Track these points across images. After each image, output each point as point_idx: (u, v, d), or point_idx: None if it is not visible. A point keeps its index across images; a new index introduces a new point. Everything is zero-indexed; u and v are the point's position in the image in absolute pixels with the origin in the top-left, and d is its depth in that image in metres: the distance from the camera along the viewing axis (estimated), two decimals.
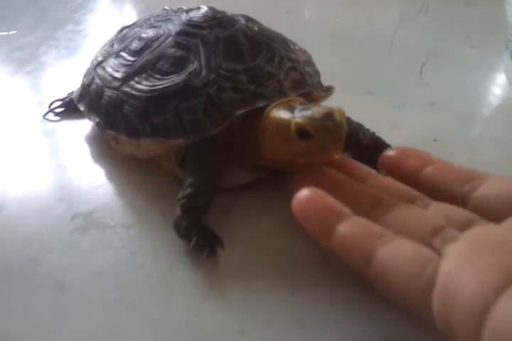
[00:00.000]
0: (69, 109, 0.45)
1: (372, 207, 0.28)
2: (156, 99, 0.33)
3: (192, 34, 0.35)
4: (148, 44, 0.36)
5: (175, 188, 0.33)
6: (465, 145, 0.41)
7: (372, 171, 0.32)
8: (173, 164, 0.35)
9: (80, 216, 0.34)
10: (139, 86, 0.34)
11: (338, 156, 0.29)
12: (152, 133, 0.33)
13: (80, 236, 0.33)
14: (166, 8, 0.41)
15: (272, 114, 0.31)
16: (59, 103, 0.46)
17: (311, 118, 0.29)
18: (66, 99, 0.46)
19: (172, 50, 0.34)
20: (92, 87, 0.38)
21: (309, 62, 0.38)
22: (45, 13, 0.71)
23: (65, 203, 0.36)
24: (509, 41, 0.53)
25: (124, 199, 0.36)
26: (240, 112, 0.32)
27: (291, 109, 0.30)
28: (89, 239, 0.33)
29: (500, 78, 0.53)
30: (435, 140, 0.41)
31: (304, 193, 0.26)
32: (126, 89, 0.34)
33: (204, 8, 0.37)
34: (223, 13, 0.37)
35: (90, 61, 0.41)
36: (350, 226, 0.25)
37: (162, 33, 0.36)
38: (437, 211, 0.27)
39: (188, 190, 0.31)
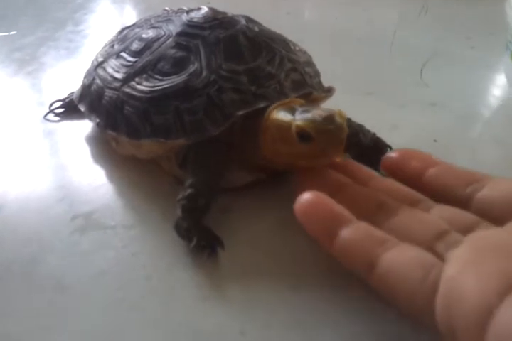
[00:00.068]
0: (69, 109, 0.45)
1: (375, 211, 0.28)
2: (156, 100, 0.33)
3: (192, 35, 0.35)
4: (148, 45, 0.36)
5: (175, 189, 0.33)
6: (465, 145, 0.41)
7: (375, 173, 0.32)
8: (173, 164, 0.35)
9: (80, 216, 0.34)
10: (139, 86, 0.34)
11: (338, 159, 0.29)
12: (153, 134, 0.33)
13: (81, 237, 0.33)
14: (167, 8, 0.41)
15: (273, 116, 0.31)
16: (59, 103, 0.46)
17: (312, 121, 0.29)
18: (66, 100, 0.46)
19: (172, 51, 0.34)
20: (92, 88, 0.38)
21: (310, 63, 0.38)
22: (45, 13, 0.71)
23: (65, 203, 0.36)
24: (509, 42, 0.53)
25: (125, 200, 0.36)
26: (240, 113, 0.32)
27: (292, 111, 0.30)
28: (89, 240, 0.33)
29: (501, 78, 0.53)
30: (435, 140, 0.41)
31: (306, 197, 0.26)
32: (127, 89, 0.34)
33: (204, 9, 0.37)
34: (224, 13, 0.37)
35: (90, 62, 0.41)
36: (353, 232, 0.25)
37: (163, 33, 0.36)
38: (440, 214, 0.27)
39: (189, 191, 0.31)
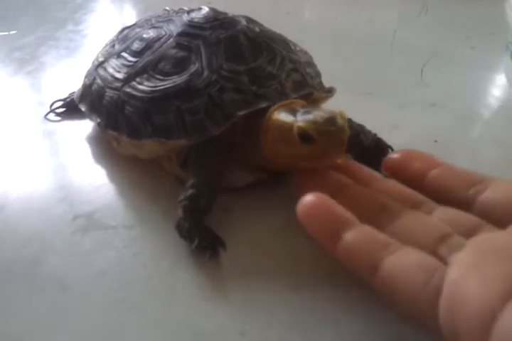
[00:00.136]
0: (70, 109, 0.45)
1: (377, 214, 0.28)
2: (157, 100, 0.33)
3: (193, 35, 0.35)
4: (149, 45, 0.36)
5: (176, 189, 0.33)
6: (465, 145, 0.41)
7: (377, 174, 0.32)
8: (174, 165, 0.35)
9: (81, 216, 0.34)
10: (140, 86, 0.34)
11: (340, 161, 0.29)
12: (154, 134, 0.33)
13: (82, 237, 0.33)
14: (167, 8, 0.41)
15: (274, 117, 0.31)
16: (60, 103, 0.46)
17: (314, 122, 0.29)
18: (67, 100, 0.46)
19: (173, 51, 0.34)
20: (93, 88, 0.38)
21: (310, 63, 0.38)
22: (45, 13, 0.71)
23: (66, 203, 0.36)
24: (510, 42, 0.53)
25: (126, 200, 0.36)
26: (241, 113, 0.32)
27: (293, 112, 0.30)
28: (90, 240, 0.33)
29: (501, 79, 0.53)
30: (436, 141, 0.41)
31: (309, 199, 0.26)
32: (128, 89, 0.34)
33: (205, 9, 0.37)
34: (224, 14, 0.37)
35: (91, 61, 0.41)
36: (357, 235, 0.25)
37: (163, 33, 0.36)
38: (442, 216, 0.27)
39: (190, 192, 0.31)
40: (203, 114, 0.32)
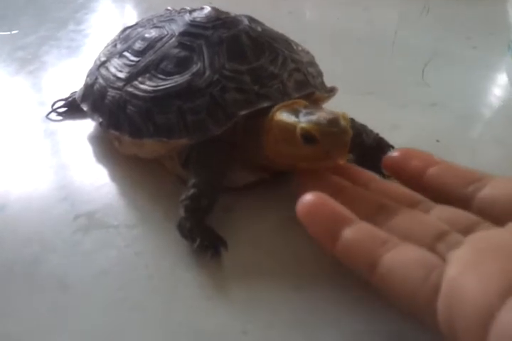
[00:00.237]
0: (72, 108, 0.45)
1: (375, 213, 0.28)
2: (159, 100, 0.33)
3: (195, 34, 0.35)
4: (151, 44, 0.36)
5: (178, 188, 0.33)
6: (466, 145, 0.41)
7: (375, 176, 0.32)
8: (176, 164, 0.35)
9: (82, 216, 0.34)
10: (142, 86, 0.34)
11: (342, 162, 0.29)
12: (155, 133, 0.33)
13: (83, 236, 0.33)
14: (169, 8, 0.41)
15: (277, 117, 0.31)
16: (61, 103, 0.46)
17: (317, 123, 0.29)
18: (69, 99, 0.46)
19: (175, 51, 0.34)
20: (95, 87, 0.38)
21: (312, 63, 0.38)
22: (46, 12, 0.71)
23: (67, 203, 0.36)
24: (511, 42, 0.53)
25: (127, 199, 0.36)
26: (243, 113, 0.32)
27: (296, 113, 0.30)
28: (92, 239, 0.33)
29: (502, 78, 0.53)
30: (437, 140, 0.41)
31: (308, 198, 0.26)
32: (130, 89, 0.34)
33: (207, 9, 0.37)
34: (227, 13, 0.37)
35: (92, 61, 0.41)
36: (355, 232, 0.25)
37: (165, 33, 0.36)
38: (440, 215, 0.27)
39: (192, 191, 0.31)
40: (204, 113, 0.32)
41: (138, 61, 0.35)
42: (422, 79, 0.51)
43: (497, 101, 0.49)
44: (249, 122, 0.33)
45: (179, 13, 0.39)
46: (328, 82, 0.38)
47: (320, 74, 0.38)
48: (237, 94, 0.33)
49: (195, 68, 0.33)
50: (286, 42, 0.37)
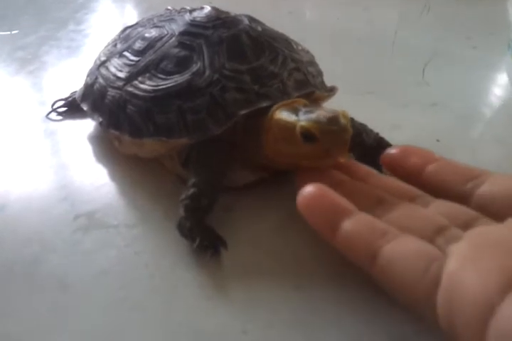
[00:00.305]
0: (72, 108, 0.45)
1: (374, 207, 0.28)
2: (159, 99, 0.33)
3: (195, 34, 0.35)
4: (151, 44, 0.36)
5: (178, 187, 0.33)
6: (466, 145, 0.41)
7: (373, 171, 0.32)
8: (176, 163, 0.35)
9: (82, 215, 0.34)
10: (142, 86, 0.34)
11: (342, 160, 0.29)
12: (155, 133, 0.33)
13: (83, 236, 0.33)
14: (169, 8, 0.41)
15: (276, 116, 0.31)
16: (61, 103, 0.46)
17: (317, 122, 0.29)
18: (69, 99, 0.46)
19: (175, 50, 0.34)
20: (95, 87, 0.38)
21: (312, 63, 0.38)
22: (46, 12, 0.71)
23: (67, 203, 0.36)
24: (511, 41, 0.53)
25: (127, 199, 0.36)
26: (243, 112, 0.32)
27: (296, 112, 0.30)
28: (92, 239, 0.33)
29: (502, 78, 0.53)
30: (438, 140, 0.41)
31: (308, 189, 0.26)
32: (130, 88, 0.34)
33: (207, 8, 0.37)
34: (227, 13, 0.37)
35: (92, 61, 0.41)
36: (355, 223, 0.25)
37: (165, 32, 0.36)
38: (438, 209, 0.27)
39: (191, 191, 0.31)
40: (204, 113, 0.32)
41: (138, 61, 0.35)
42: (422, 79, 0.51)
43: (497, 100, 0.49)
44: (249, 122, 0.33)
45: (179, 12, 0.39)
46: (328, 82, 0.38)
47: (320, 73, 0.38)
48: (237, 94, 0.33)
49: (195, 68, 0.33)
50: (286, 42, 0.37)
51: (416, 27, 0.64)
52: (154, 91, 0.33)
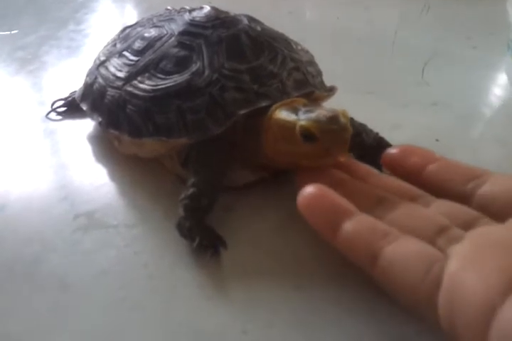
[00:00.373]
0: (71, 108, 0.45)
1: (375, 206, 0.28)
2: (158, 99, 0.33)
3: (195, 34, 0.35)
4: (151, 44, 0.36)
5: (178, 187, 0.33)
6: (466, 145, 0.41)
7: (373, 170, 0.32)
8: (175, 163, 0.35)
9: (82, 215, 0.34)
10: (141, 85, 0.34)
11: (342, 159, 0.29)
12: (155, 133, 0.33)
13: (83, 236, 0.33)
14: (169, 7, 0.41)
15: (276, 115, 0.31)
16: (61, 102, 0.46)
17: (317, 121, 0.29)
18: (68, 99, 0.46)
19: (175, 50, 0.34)
20: (94, 87, 0.38)
21: (312, 62, 0.38)
22: (46, 12, 0.71)
23: (67, 203, 0.36)
24: (511, 41, 0.53)
25: (127, 199, 0.36)
26: (242, 112, 0.32)
27: (295, 111, 0.30)
28: (91, 239, 0.33)
29: (502, 78, 0.53)
30: (437, 140, 0.41)
31: (309, 190, 0.26)
32: (129, 88, 0.34)
33: (207, 8, 0.37)
34: (226, 13, 0.37)
35: (92, 60, 0.41)
36: (356, 224, 0.25)
37: (165, 32, 0.36)
38: (440, 209, 0.27)
39: (191, 191, 0.31)
40: (204, 112, 0.32)
41: (137, 60, 0.35)
42: (422, 78, 0.51)
43: (497, 100, 0.49)
44: (248, 121, 0.33)
45: (179, 12, 0.39)
46: (328, 82, 0.38)
47: (319, 73, 0.38)
48: (236, 94, 0.33)
49: (194, 67, 0.33)
50: (286, 42, 0.37)
51: (416, 27, 0.64)
52: (154, 91, 0.33)
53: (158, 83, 0.34)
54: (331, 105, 0.34)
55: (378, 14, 0.69)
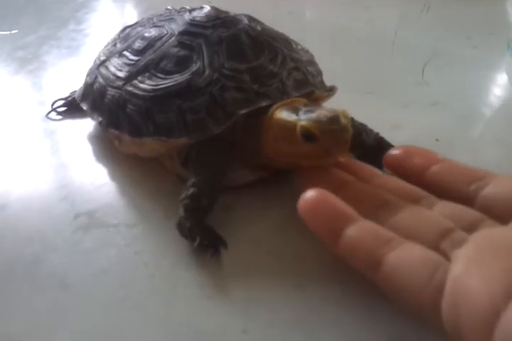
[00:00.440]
0: (71, 108, 0.45)
1: (378, 209, 0.28)
2: (159, 99, 0.33)
3: (195, 34, 0.35)
4: (151, 43, 0.36)
5: (178, 187, 0.33)
6: (466, 144, 0.41)
7: (377, 171, 0.32)
8: (175, 163, 0.35)
9: (83, 215, 0.34)
10: (142, 85, 0.34)
11: (342, 159, 0.29)
12: (155, 133, 0.33)
13: (83, 235, 0.33)
14: (169, 7, 0.41)
15: (276, 115, 0.31)
16: (61, 102, 0.46)
17: (317, 121, 0.29)
18: (68, 99, 0.46)
19: (175, 50, 0.34)
20: (95, 86, 0.38)
21: (312, 62, 0.38)
22: (46, 12, 0.71)
23: (67, 202, 0.36)
24: (511, 41, 0.53)
25: (127, 198, 0.36)
26: (242, 111, 0.32)
27: (296, 111, 0.30)
28: (92, 238, 0.33)
29: (502, 78, 0.53)
30: (437, 140, 0.41)
31: (310, 194, 0.26)
32: (130, 88, 0.34)
33: (207, 8, 0.37)
34: (226, 12, 0.37)
35: (92, 60, 0.41)
36: (358, 231, 0.25)
37: (165, 32, 0.36)
38: (443, 211, 0.27)
39: (191, 191, 0.31)
40: (204, 112, 0.32)
41: (138, 60, 0.35)
42: (422, 78, 0.51)
43: (497, 100, 0.49)
44: (248, 121, 0.33)
45: (179, 12, 0.39)
46: (328, 82, 0.38)
47: (319, 73, 0.38)
48: (236, 93, 0.33)
49: (194, 67, 0.33)
50: (286, 42, 0.37)
51: (416, 27, 0.64)
52: (154, 90, 0.33)
53: (159, 83, 0.34)
54: (330, 105, 0.34)
55: (378, 14, 0.69)
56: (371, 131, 0.37)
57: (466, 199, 0.27)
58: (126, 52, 0.37)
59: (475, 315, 0.20)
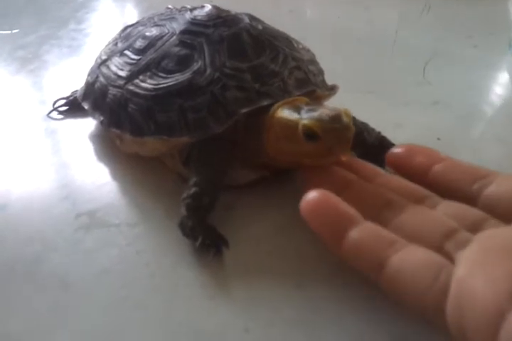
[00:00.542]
0: (73, 107, 0.45)
1: (382, 209, 0.27)
2: (160, 98, 0.33)
3: (196, 33, 0.35)
4: (152, 43, 0.36)
5: (179, 186, 0.33)
6: (467, 144, 0.41)
7: (380, 170, 0.32)
8: (177, 162, 0.35)
9: (84, 214, 0.34)
10: (143, 84, 0.34)
11: (344, 158, 0.29)
12: (156, 132, 0.33)
13: (84, 235, 0.33)
14: (170, 6, 0.41)
15: (278, 114, 0.31)
16: (62, 101, 0.46)
17: (319, 120, 0.29)
18: (70, 98, 0.46)
19: (176, 49, 0.34)
20: (96, 86, 0.38)
21: (313, 61, 0.38)
22: (46, 12, 0.71)
23: (69, 202, 0.36)
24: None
25: (129, 198, 0.36)
26: (244, 110, 0.32)
27: (298, 110, 0.30)
28: (93, 238, 0.33)
29: (503, 77, 0.53)
30: (438, 139, 0.41)
31: (312, 195, 0.26)
32: (131, 87, 0.34)
33: (208, 7, 0.37)
34: (227, 11, 0.37)
35: (93, 60, 0.41)
36: (362, 233, 0.25)
37: (166, 31, 0.36)
38: (447, 210, 0.27)
39: (193, 190, 0.31)
40: (205, 111, 0.32)
41: (139, 59, 0.35)
42: (423, 78, 0.51)
43: (498, 99, 0.49)
44: (250, 120, 0.33)
45: (180, 11, 0.39)
46: (329, 81, 0.38)
47: (321, 72, 0.38)
48: (237, 92, 0.33)
49: (196, 66, 0.33)
50: (287, 41, 0.37)
51: (416, 26, 0.64)
52: (155, 89, 0.33)
53: (160, 82, 0.34)
54: (332, 104, 0.34)
55: (379, 14, 0.69)
56: (373, 129, 0.37)
57: (469, 198, 0.27)
58: (127, 52, 0.37)
59: (480, 317, 0.20)
